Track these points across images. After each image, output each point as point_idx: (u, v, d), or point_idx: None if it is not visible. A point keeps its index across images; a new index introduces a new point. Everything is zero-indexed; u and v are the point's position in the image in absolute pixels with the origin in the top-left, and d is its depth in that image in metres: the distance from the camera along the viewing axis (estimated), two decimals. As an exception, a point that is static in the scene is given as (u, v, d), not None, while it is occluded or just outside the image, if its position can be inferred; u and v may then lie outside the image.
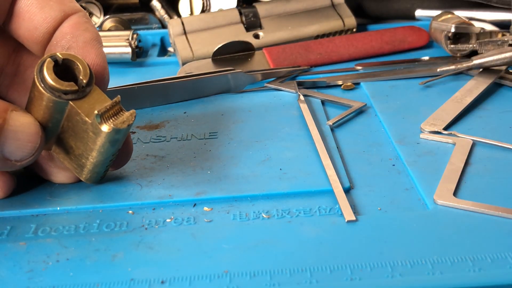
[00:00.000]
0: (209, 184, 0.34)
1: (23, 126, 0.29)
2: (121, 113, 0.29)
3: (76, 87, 0.29)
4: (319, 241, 0.28)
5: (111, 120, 0.29)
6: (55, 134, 0.31)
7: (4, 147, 0.29)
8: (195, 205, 0.32)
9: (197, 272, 0.27)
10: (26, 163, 0.30)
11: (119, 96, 0.29)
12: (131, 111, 0.29)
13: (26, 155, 0.30)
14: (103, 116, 0.29)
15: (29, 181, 0.34)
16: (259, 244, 0.28)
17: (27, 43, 0.32)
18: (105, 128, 0.29)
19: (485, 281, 0.25)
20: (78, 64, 0.29)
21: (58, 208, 0.32)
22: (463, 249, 0.27)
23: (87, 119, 0.29)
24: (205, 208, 0.32)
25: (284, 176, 0.34)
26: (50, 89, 0.28)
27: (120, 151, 0.34)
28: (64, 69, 0.29)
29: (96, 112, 0.28)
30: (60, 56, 0.29)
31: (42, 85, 0.28)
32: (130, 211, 0.32)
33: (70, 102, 0.29)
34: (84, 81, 0.29)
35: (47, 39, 0.31)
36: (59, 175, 0.34)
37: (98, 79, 0.30)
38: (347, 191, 0.33)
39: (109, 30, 0.63)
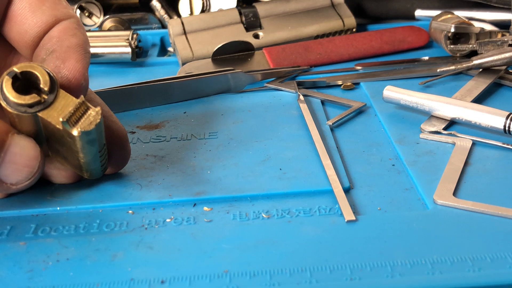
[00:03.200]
0: (209, 184, 0.34)
1: (23, 149, 0.29)
2: (88, 112, 0.28)
3: (38, 98, 0.28)
4: (319, 241, 0.28)
5: (79, 123, 0.28)
6: (42, 143, 0.31)
7: (0, 170, 0.29)
8: (195, 205, 0.32)
9: (197, 272, 0.27)
10: (23, 187, 0.30)
11: (82, 96, 0.28)
12: (97, 109, 0.28)
13: (23, 179, 0.29)
14: (70, 121, 0.28)
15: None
16: (259, 244, 0.28)
17: (17, 46, 0.32)
18: (75, 132, 0.28)
19: (485, 281, 0.25)
20: (36, 73, 0.28)
21: (58, 208, 0.32)
22: (463, 249, 0.27)
23: (58, 126, 0.28)
24: (205, 208, 0.32)
25: (284, 176, 0.34)
26: (14, 105, 0.28)
27: (116, 156, 0.34)
28: (27, 81, 0.28)
29: (61, 119, 0.27)
30: (17, 69, 0.28)
31: (6, 103, 0.28)
32: (130, 211, 0.32)
33: (38, 114, 0.28)
34: (45, 89, 0.28)
35: (37, 43, 0.31)
36: (59, 176, 0.34)
37: (73, 85, 0.29)
38: (346, 191, 0.33)
39: (109, 30, 0.63)
